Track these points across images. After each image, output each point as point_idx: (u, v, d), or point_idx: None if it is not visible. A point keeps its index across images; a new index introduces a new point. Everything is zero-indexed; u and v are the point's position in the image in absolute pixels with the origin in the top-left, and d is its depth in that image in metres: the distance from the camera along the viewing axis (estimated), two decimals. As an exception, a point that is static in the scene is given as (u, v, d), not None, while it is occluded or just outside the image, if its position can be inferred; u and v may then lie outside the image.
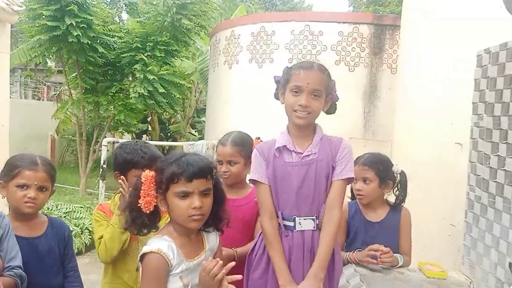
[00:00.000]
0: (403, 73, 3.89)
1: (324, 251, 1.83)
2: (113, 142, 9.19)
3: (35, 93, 18.34)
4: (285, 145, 1.89)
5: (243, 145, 2.24)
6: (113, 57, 8.82)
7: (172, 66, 9.21)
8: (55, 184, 2.06)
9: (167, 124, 14.07)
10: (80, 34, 7.81)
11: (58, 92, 14.35)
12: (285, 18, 6.35)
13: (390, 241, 2.31)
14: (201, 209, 1.55)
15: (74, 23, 7.68)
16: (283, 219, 1.89)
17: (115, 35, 8.85)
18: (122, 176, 2.12)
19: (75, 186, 9.47)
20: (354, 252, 2.32)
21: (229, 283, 1.56)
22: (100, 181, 7.77)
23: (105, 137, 8.99)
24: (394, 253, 2.27)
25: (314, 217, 1.88)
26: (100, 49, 8.40)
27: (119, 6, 18.70)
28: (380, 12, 9.99)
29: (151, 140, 12.09)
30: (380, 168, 2.34)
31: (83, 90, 9.06)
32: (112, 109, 9.16)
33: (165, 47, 8.54)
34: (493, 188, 2.12)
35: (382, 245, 2.24)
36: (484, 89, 2.24)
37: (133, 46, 8.51)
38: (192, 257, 1.63)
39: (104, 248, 2.07)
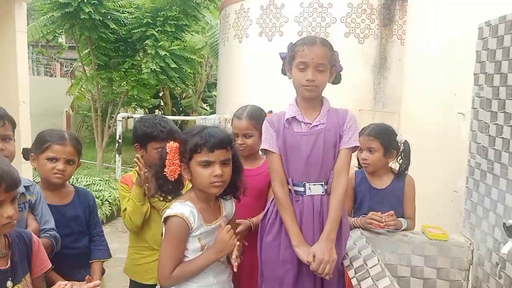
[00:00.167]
0: (410, 45, 3.94)
1: (334, 214, 1.95)
2: (128, 117, 9.40)
3: (47, 70, 18.48)
4: (294, 116, 2.00)
5: (258, 118, 2.32)
6: (125, 33, 8.89)
7: (183, 41, 9.25)
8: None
9: (179, 99, 14.18)
10: (92, 11, 7.88)
11: (71, 68, 14.47)
12: (294, -9, 6.33)
13: (395, 206, 2.43)
14: (221, 177, 1.70)
15: (85, 0, 7.76)
16: (294, 185, 2.01)
17: (125, 11, 8.91)
18: (138, 155, 2.24)
19: (92, 161, 9.71)
20: (359, 218, 2.45)
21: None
22: (117, 155, 8.02)
23: (119, 112, 9.16)
24: (398, 218, 2.40)
25: (323, 183, 2.00)
26: (112, 25, 8.49)
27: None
28: (391, -18, 9.82)
29: (164, 114, 12.23)
30: (385, 138, 2.45)
31: (96, 66, 9.18)
32: (125, 85, 9.29)
33: (175, 22, 8.57)
34: (491, 155, 2.23)
35: (381, 212, 2.33)
36: (484, 61, 2.32)
37: (144, 22, 8.56)
38: (210, 221, 1.79)
39: (129, 220, 2.25)
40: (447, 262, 2.35)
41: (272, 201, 2.11)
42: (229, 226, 1.79)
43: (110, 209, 5.91)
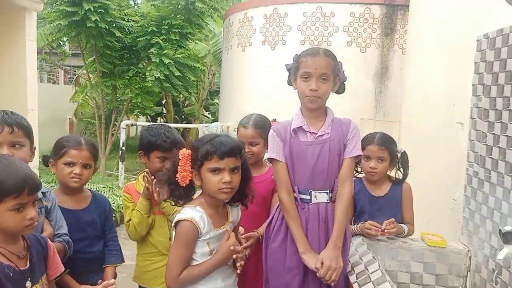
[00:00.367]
0: (411, 55, 4.03)
1: (340, 222, 2.02)
2: (131, 125, 9.48)
3: (50, 77, 18.59)
4: (301, 126, 2.07)
5: (263, 127, 2.40)
6: (130, 41, 8.99)
7: (187, 49, 9.34)
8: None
9: (181, 107, 14.25)
10: (98, 19, 7.99)
11: (76, 76, 14.56)
12: (297, 0, 6.37)
13: (394, 213, 2.49)
14: (230, 184, 1.77)
15: (92, 8, 7.86)
16: (300, 193, 2.06)
17: (131, 19, 9.01)
18: (147, 169, 2.31)
19: (95, 168, 9.73)
20: (358, 225, 2.49)
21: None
22: (120, 162, 8.07)
23: (123, 120, 9.24)
24: (398, 223, 2.47)
25: (328, 191, 2.06)
26: (117, 33, 8.58)
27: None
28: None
29: (166, 122, 12.31)
30: (392, 148, 2.50)
31: (101, 74, 9.28)
32: (129, 93, 9.36)
33: (179, 30, 8.67)
34: (489, 164, 2.30)
35: (382, 220, 2.39)
36: (482, 72, 2.40)
37: (149, 30, 8.66)
38: (219, 226, 1.86)
39: (134, 230, 2.33)
40: (445, 269, 2.41)
41: (277, 209, 2.16)
42: (233, 233, 1.87)
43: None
